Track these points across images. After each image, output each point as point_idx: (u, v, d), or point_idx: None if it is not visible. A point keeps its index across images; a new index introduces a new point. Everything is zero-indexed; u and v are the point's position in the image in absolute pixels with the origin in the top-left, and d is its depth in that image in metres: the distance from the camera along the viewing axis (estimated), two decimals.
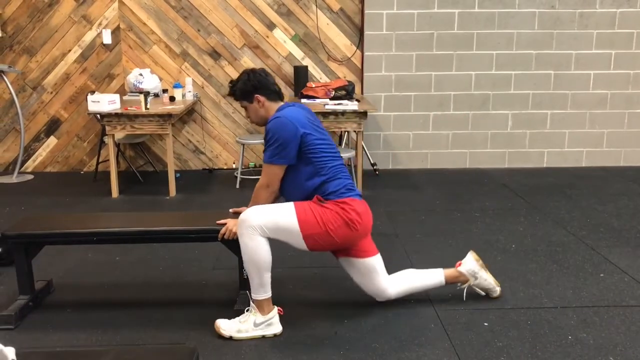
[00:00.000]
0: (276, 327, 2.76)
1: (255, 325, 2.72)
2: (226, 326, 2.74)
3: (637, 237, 4.04)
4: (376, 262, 2.91)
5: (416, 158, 6.25)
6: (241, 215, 2.72)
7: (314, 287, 3.30)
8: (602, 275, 3.42)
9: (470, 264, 3.05)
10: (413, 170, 6.18)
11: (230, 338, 2.71)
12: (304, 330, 2.81)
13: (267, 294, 2.74)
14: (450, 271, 3.05)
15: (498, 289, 3.09)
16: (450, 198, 5.09)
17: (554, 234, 4.12)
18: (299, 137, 2.72)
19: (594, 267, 3.53)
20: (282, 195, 2.93)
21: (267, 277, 2.72)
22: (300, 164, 2.77)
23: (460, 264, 3.07)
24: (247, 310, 2.78)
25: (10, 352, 1.66)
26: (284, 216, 2.69)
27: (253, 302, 2.76)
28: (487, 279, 3.06)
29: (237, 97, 2.92)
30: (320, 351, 2.62)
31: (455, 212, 4.67)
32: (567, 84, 6.12)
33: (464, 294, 3.07)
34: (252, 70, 2.90)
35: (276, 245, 3.90)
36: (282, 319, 2.81)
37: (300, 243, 2.73)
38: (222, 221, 2.93)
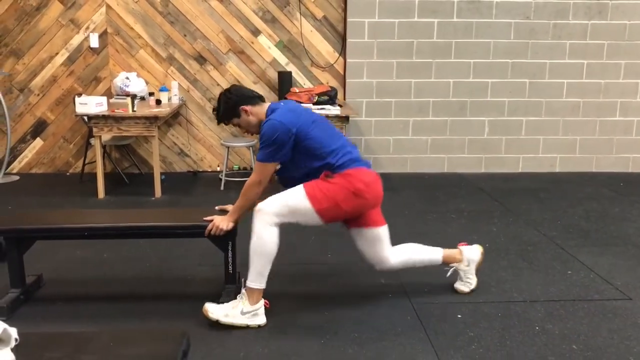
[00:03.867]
0: (261, 319, 2.90)
1: (242, 313, 2.85)
2: (214, 309, 2.86)
3: (604, 238, 4.25)
4: (383, 232, 3.05)
5: (396, 162, 6.43)
6: (257, 206, 2.85)
7: (298, 283, 3.44)
8: (569, 272, 3.61)
9: (473, 254, 3.25)
10: (393, 174, 6.36)
11: (217, 322, 2.84)
12: (288, 321, 2.95)
13: (261, 284, 2.87)
14: (449, 251, 3.24)
15: (468, 290, 3.26)
16: (427, 200, 5.27)
17: (525, 234, 4.32)
18: (292, 136, 2.85)
19: (562, 265, 3.72)
20: (282, 179, 3.06)
21: (268, 268, 2.85)
22: (300, 153, 2.91)
23: (465, 245, 3.27)
24: (238, 297, 2.91)
25: (13, 331, 1.78)
26: (296, 199, 2.84)
27: (246, 289, 2.89)
28: (471, 278, 3.25)
29: (226, 118, 3.04)
30: (302, 341, 2.76)
31: (432, 213, 4.84)
32: (542, 92, 6.36)
33: (449, 272, 3.25)
34: (226, 90, 3.04)
35: None
36: (267, 311, 2.94)
37: (315, 219, 2.87)
38: (209, 218, 3.05)
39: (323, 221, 2.89)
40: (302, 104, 3.06)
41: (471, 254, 3.26)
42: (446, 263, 3.24)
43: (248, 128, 3.05)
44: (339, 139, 2.96)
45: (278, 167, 3.00)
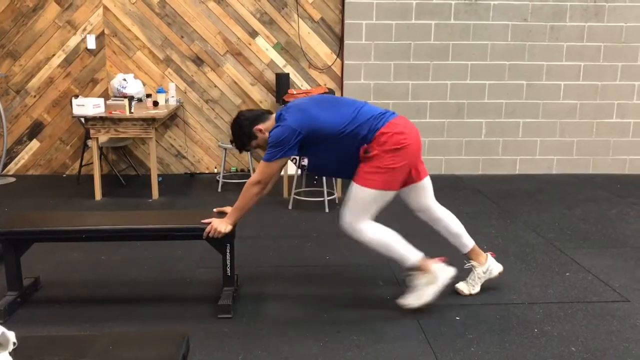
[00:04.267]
0: (446, 273, 3.05)
1: (427, 284, 3.02)
2: (409, 300, 3.05)
3: (602, 239, 4.25)
4: (429, 182, 3.18)
5: None
6: (342, 225, 3.00)
7: (296, 285, 3.43)
8: (567, 274, 3.61)
9: (495, 268, 3.29)
10: None
11: (419, 307, 3.03)
12: (286, 324, 2.94)
13: (414, 258, 3.01)
14: (478, 249, 3.30)
15: (467, 294, 3.27)
16: None
17: (523, 236, 4.32)
18: (299, 135, 2.87)
19: (560, 267, 3.72)
20: (313, 171, 3.08)
21: (402, 247, 2.99)
22: (319, 142, 2.91)
23: (493, 256, 3.33)
24: (414, 280, 3.05)
25: (11, 335, 1.77)
26: (362, 196, 2.92)
27: (411, 270, 3.04)
28: (477, 285, 3.27)
29: (246, 144, 3.07)
30: (302, 343, 2.75)
31: None
32: (539, 94, 6.37)
33: (467, 265, 3.30)
34: (235, 119, 3.07)
35: (260, 247, 4.05)
36: (265, 315, 2.94)
37: (389, 194, 2.97)
38: (207, 220, 3.05)
39: (397, 190, 2.98)
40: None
41: (494, 266, 3.31)
42: (469, 256, 3.28)
43: (266, 146, 3.05)
44: (349, 106, 2.97)
45: (305, 161, 3.02)
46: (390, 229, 3.01)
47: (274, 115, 3.05)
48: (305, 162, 3.02)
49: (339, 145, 2.92)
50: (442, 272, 3.05)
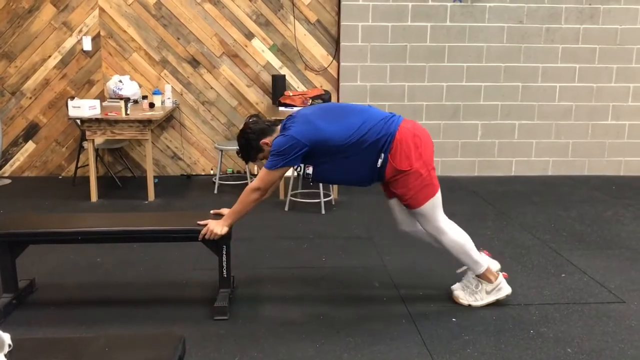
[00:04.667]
0: (506, 290, 3.15)
1: (487, 292, 3.14)
2: (464, 296, 3.17)
3: (597, 241, 4.27)
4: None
5: None
6: (430, 232, 3.09)
7: (293, 287, 3.43)
8: (563, 275, 3.62)
9: (503, 290, 3.17)
10: None
11: (469, 306, 3.14)
12: (283, 325, 2.94)
13: (484, 266, 3.12)
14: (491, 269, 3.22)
15: (466, 303, 3.18)
16: None
17: (519, 237, 4.33)
18: (304, 148, 2.87)
19: (556, 268, 3.73)
20: (319, 180, 3.10)
21: (475, 253, 3.10)
22: (327, 154, 2.92)
23: (489, 255, 3.29)
24: (476, 281, 3.16)
25: (7, 337, 1.76)
26: (427, 209, 3.02)
27: (478, 277, 3.15)
28: (479, 301, 3.15)
29: (254, 157, 3.09)
30: (298, 344, 2.75)
31: None
32: (534, 96, 6.39)
33: (461, 269, 3.27)
34: (242, 130, 3.06)
35: (256, 248, 4.05)
36: (261, 316, 2.94)
37: (438, 192, 3.07)
38: (203, 222, 3.05)
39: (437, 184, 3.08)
40: (294, 107, 3.12)
41: (500, 280, 3.20)
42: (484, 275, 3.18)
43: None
44: (355, 114, 2.96)
45: (310, 169, 3.00)
46: (466, 237, 3.10)
47: (279, 127, 3.04)
48: (310, 170, 3.01)
49: (346, 154, 2.92)
50: (504, 286, 3.16)
